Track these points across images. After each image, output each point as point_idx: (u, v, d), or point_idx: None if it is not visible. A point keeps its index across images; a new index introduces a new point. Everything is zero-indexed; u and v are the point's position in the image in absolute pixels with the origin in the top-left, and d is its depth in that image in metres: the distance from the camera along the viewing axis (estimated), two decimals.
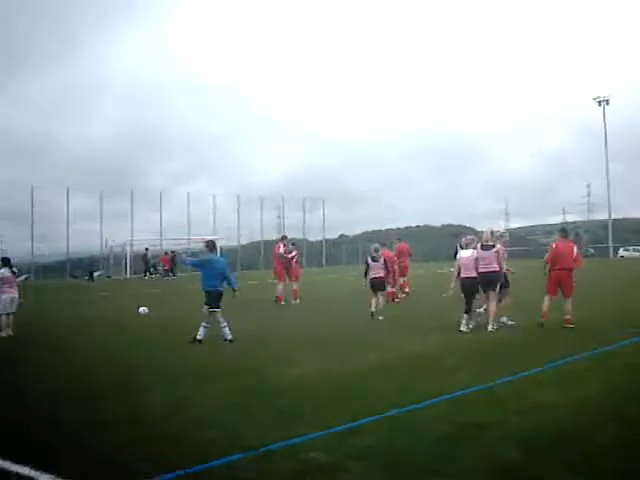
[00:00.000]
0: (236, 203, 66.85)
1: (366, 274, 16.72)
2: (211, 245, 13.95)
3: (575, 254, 13.68)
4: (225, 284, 13.31)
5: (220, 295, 13.13)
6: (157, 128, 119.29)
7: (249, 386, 8.51)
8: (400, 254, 21.75)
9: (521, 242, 77.40)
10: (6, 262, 15.48)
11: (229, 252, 60.73)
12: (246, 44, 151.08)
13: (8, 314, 14.89)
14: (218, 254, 16.21)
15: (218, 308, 12.99)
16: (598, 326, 13.28)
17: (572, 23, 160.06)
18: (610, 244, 73.74)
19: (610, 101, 74.94)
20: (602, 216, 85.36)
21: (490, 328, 13.28)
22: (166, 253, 53.02)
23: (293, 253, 21.68)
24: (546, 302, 13.71)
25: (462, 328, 13.32)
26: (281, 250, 21.34)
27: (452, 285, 14.76)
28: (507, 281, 14.25)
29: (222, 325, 12.83)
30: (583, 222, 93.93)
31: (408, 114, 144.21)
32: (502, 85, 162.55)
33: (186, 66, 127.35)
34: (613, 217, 78.73)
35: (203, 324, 12.82)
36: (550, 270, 13.80)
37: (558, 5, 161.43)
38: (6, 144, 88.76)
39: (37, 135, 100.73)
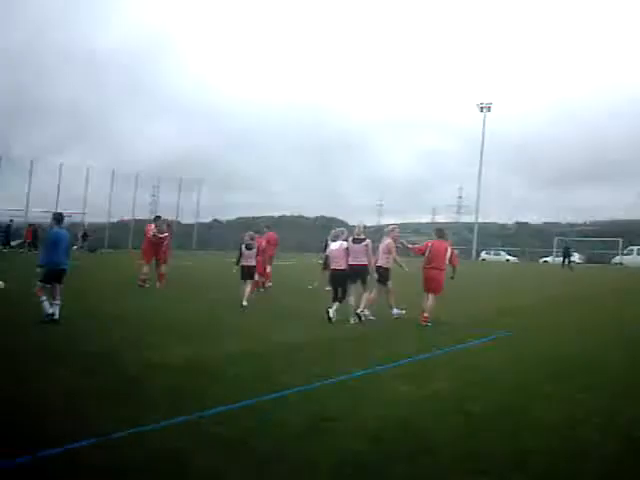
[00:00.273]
0: (110, 178, 63.59)
1: (238, 261, 16.76)
2: (59, 217, 13.00)
3: (449, 254, 14.12)
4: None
5: (64, 272, 12.56)
6: (32, 95, 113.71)
7: (101, 370, 8.26)
8: (268, 243, 21.75)
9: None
10: None
11: (97, 229, 58.99)
12: (132, 12, 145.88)
13: None
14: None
15: (49, 284, 12.34)
16: (454, 324, 13.86)
17: (462, 29, 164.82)
18: (474, 246, 76.83)
19: (492, 108, 77.60)
20: (470, 219, 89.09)
21: (352, 320, 13.61)
22: (29, 226, 50.37)
23: (165, 234, 21.11)
24: (425, 299, 14.14)
25: (330, 311, 13.57)
26: (153, 230, 20.80)
27: (320, 277, 14.90)
28: (387, 276, 14.63)
29: (42, 299, 12.15)
30: (452, 223, 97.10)
31: (289, 102, 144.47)
32: (382, 81, 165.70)
33: (67, 33, 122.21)
34: (480, 221, 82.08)
35: (54, 302, 12.22)
36: (424, 268, 14.27)
37: (450, 12, 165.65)
38: None
39: None
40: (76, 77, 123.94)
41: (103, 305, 14.90)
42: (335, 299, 13.96)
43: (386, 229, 15.27)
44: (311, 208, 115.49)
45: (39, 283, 12.30)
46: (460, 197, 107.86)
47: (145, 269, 20.45)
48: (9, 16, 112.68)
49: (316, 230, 71.50)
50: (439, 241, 14.48)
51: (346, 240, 14.30)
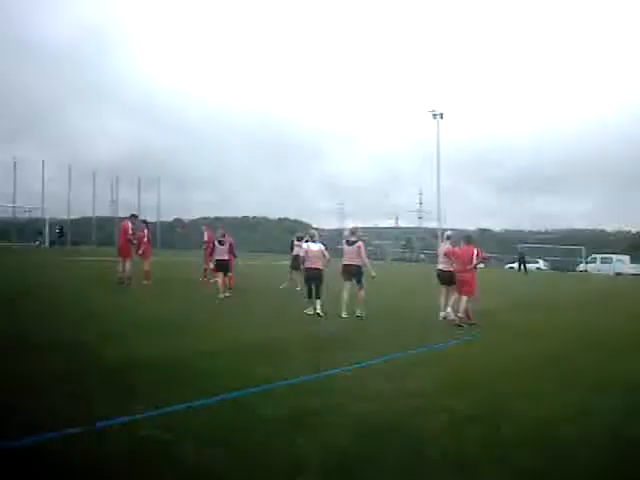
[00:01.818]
0: (67, 173, 62.36)
1: (211, 254, 18.54)
2: None
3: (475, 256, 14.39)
4: None
5: None
6: None
7: (78, 361, 8.14)
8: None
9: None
10: None
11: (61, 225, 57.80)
12: (84, 5, 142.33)
13: None
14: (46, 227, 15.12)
15: None
16: (426, 326, 13.78)
17: (417, 39, 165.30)
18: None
19: (444, 115, 77.79)
20: (432, 224, 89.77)
21: (359, 313, 14.23)
22: None
23: (145, 232, 21.21)
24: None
25: (309, 310, 14.42)
26: (131, 229, 20.63)
27: (289, 277, 15.55)
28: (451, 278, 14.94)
29: None
30: (415, 229, 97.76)
31: (247, 98, 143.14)
32: (341, 85, 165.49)
33: (16, 21, 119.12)
34: (443, 227, 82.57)
35: None
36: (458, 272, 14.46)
37: (405, 20, 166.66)
38: None
39: None
40: (28, 68, 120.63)
41: (79, 300, 14.97)
42: (310, 296, 14.52)
43: (446, 233, 15.57)
44: (273, 210, 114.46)
45: None
46: (420, 203, 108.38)
47: (126, 266, 20.27)
48: None
49: (279, 231, 71.24)
50: (465, 247, 14.69)
51: (321, 242, 15.03)
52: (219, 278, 17.70)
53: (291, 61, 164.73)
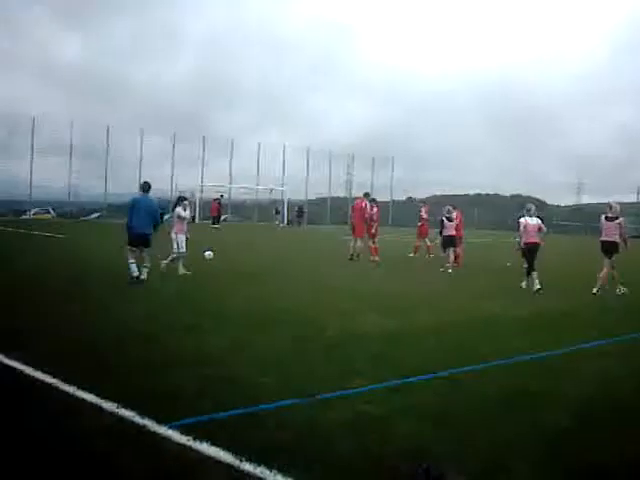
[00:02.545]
0: (305, 156, 65.67)
1: (441, 232, 19.42)
2: (144, 186, 13.82)
3: None
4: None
5: (145, 236, 13.19)
6: (229, 77, 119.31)
7: (303, 336, 8.55)
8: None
9: (594, 219, 74.93)
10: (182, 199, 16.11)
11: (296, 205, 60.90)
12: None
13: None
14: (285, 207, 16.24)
15: (146, 247, 13.17)
16: None
17: None
18: None
19: None
20: None
21: (619, 291, 14.30)
22: (215, 200, 49.49)
23: (374, 210, 22.05)
24: None
25: (523, 285, 14.69)
26: (367, 207, 21.63)
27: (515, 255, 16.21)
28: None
29: (145, 265, 13.04)
30: None
31: (483, 77, 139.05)
32: (576, 55, 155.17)
33: (258, 16, 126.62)
34: None
35: (130, 261, 12.96)
36: None
37: None
38: (85, 83, 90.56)
39: (114, 76, 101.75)
40: (268, 59, 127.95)
41: (307, 276, 16.18)
42: (529, 271, 14.63)
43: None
44: (506, 186, 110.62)
45: (126, 247, 13.18)
46: None
47: (358, 244, 21.24)
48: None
49: (512, 209, 69.09)
50: None
51: (538, 217, 15.04)
52: (446, 253, 18.71)
53: (519, 33, 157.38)
